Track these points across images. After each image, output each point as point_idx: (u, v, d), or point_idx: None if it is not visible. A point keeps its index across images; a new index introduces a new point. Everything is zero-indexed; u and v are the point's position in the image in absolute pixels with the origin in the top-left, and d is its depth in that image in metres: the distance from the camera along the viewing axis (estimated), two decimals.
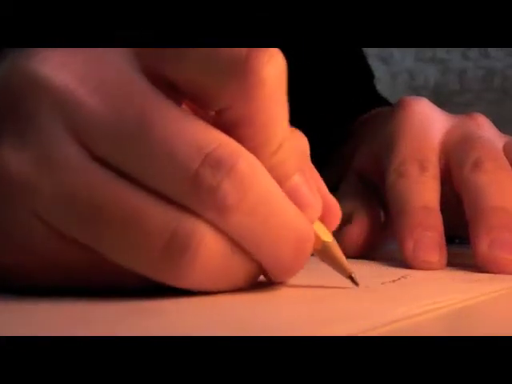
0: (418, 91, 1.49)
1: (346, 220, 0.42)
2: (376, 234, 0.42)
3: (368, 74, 0.68)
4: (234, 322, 0.23)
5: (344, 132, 0.59)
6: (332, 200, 0.29)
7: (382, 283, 0.31)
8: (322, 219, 0.28)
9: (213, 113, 0.25)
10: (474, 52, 1.54)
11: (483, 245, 0.35)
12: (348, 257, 0.41)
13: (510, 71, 1.51)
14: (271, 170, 0.25)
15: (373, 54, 1.31)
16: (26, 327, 0.21)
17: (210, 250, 0.24)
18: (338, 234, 0.42)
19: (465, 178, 0.39)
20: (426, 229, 0.37)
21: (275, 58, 0.24)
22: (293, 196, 0.26)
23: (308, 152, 0.29)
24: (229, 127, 0.25)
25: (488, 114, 0.45)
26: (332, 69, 0.66)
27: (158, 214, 0.24)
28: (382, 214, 0.45)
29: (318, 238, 0.28)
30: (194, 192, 0.23)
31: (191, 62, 0.24)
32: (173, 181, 0.23)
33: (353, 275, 0.28)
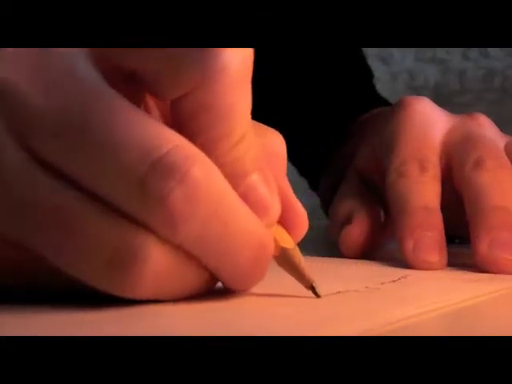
0: (418, 91, 1.49)
1: (346, 220, 0.42)
2: (376, 234, 0.42)
3: (368, 74, 0.68)
4: (233, 322, 0.23)
5: (344, 132, 0.59)
6: (297, 203, 0.27)
7: (382, 283, 0.31)
8: (286, 224, 0.26)
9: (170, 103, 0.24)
10: (473, 52, 1.54)
11: (483, 244, 0.35)
12: (348, 257, 0.41)
13: (510, 71, 1.51)
14: (229, 165, 0.23)
15: (373, 54, 1.31)
16: (28, 328, 0.21)
17: (158, 264, 0.22)
18: (338, 234, 0.42)
19: (466, 177, 0.39)
20: (427, 229, 0.37)
21: (241, 48, 0.23)
22: (249, 196, 0.24)
23: (282, 153, 0.28)
24: (187, 118, 0.23)
25: (488, 114, 0.45)
26: (332, 69, 0.65)
27: (101, 224, 0.22)
28: (382, 213, 0.45)
29: (276, 243, 0.25)
30: (140, 201, 0.22)
31: (149, 50, 0.23)
32: (118, 187, 0.22)
33: (314, 285, 0.26)
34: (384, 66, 1.55)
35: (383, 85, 0.80)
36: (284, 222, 0.26)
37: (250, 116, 0.24)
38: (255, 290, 0.26)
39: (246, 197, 0.24)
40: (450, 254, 0.37)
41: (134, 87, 0.23)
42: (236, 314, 0.24)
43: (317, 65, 0.65)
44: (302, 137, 0.65)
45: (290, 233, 0.26)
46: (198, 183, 0.22)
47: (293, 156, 0.69)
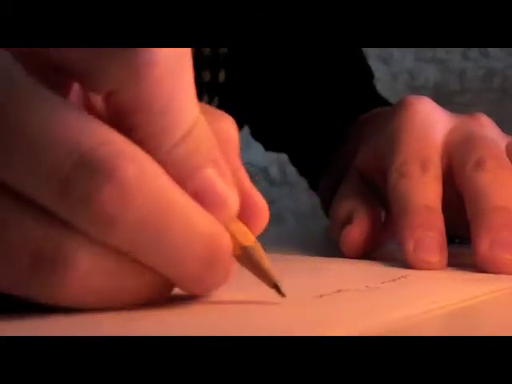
0: (418, 91, 1.49)
1: (347, 220, 0.42)
2: (376, 234, 0.42)
3: (368, 74, 0.68)
4: (234, 322, 0.23)
5: (344, 132, 0.59)
6: (257, 196, 0.25)
7: (382, 283, 0.31)
8: (245, 216, 0.24)
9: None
10: (474, 52, 1.54)
11: (484, 244, 0.35)
12: (349, 257, 0.41)
13: (510, 71, 1.51)
14: (176, 162, 0.22)
15: (373, 54, 1.31)
16: (34, 329, 0.21)
17: (85, 266, 0.21)
18: (338, 234, 0.42)
19: (467, 177, 0.39)
20: (428, 229, 0.37)
21: None
22: (203, 192, 0.22)
23: (235, 138, 0.26)
24: (122, 114, 0.21)
25: (488, 114, 0.45)
26: (332, 69, 0.66)
27: (24, 225, 0.20)
28: (382, 213, 0.45)
29: (236, 241, 0.24)
30: (64, 200, 0.20)
31: (75, 49, 0.21)
32: (40, 185, 0.20)
33: (278, 284, 0.24)
34: (384, 66, 1.55)
35: (383, 85, 0.80)
36: (242, 214, 0.24)
37: (195, 108, 0.22)
38: (223, 293, 0.24)
39: (200, 192, 0.22)
40: (450, 254, 0.37)
41: (59, 78, 0.22)
42: (236, 314, 0.24)
43: (317, 65, 0.65)
44: (302, 137, 0.65)
45: (249, 226, 0.25)
46: (128, 180, 0.20)
47: (293, 156, 0.70)
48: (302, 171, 0.69)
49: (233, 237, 0.23)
